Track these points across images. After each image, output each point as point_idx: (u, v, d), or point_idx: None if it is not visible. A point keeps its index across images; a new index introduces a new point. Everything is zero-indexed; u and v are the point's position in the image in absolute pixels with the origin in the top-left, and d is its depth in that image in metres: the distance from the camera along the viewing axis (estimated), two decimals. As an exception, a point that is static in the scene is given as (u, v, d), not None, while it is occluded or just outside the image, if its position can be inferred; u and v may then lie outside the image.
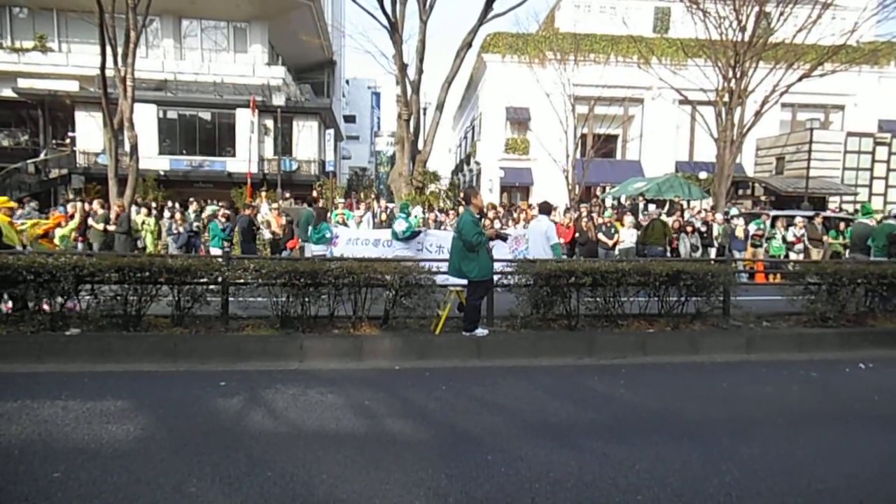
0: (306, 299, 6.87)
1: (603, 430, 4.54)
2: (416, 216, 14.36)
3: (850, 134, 25.64)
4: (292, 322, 6.91)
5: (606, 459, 3.93)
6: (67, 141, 28.12)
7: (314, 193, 23.86)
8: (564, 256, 9.89)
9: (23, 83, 26.93)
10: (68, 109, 27.67)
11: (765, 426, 4.69)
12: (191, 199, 18.71)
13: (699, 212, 16.55)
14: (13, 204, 9.61)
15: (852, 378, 6.31)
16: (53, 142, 28.66)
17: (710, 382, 5.97)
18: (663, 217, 13.61)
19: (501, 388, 5.56)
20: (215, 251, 11.69)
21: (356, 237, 11.51)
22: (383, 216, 15.80)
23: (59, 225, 11.98)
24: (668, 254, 12.83)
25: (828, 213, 17.21)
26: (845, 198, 24.60)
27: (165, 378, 5.72)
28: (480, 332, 6.80)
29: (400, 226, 10.22)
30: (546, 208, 9.24)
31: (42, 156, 27.28)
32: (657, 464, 3.88)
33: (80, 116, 27.24)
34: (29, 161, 26.65)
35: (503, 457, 3.94)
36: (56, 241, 9.43)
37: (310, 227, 11.29)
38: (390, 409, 4.91)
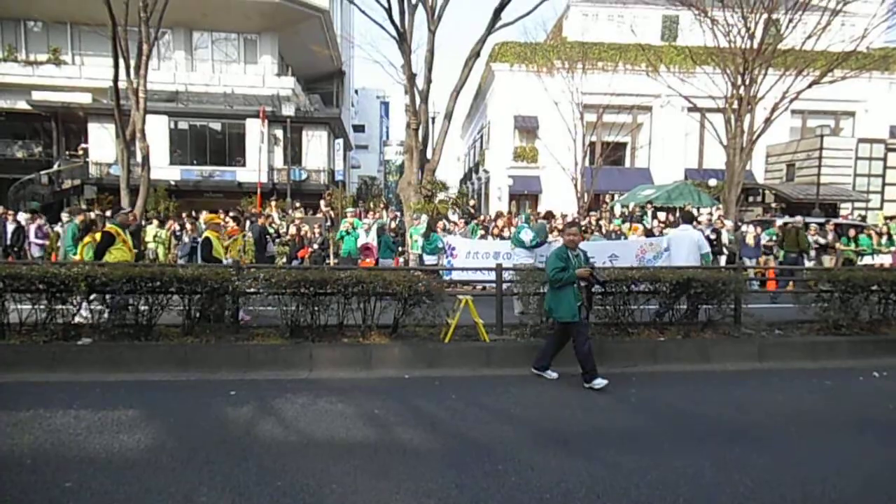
0: (316, 308, 6.89)
1: (614, 439, 4.51)
2: (423, 224, 14.39)
3: (861, 140, 25.46)
4: (302, 331, 6.92)
5: (618, 469, 3.90)
6: (80, 152, 28.45)
7: (256, 208, 22.59)
8: None
9: (37, 96, 27.30)
10: (81, 121, 28.02)
11: (777, 435, 4.64)
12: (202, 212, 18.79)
13: (708, 219, 16.47)
14: (220, 220, 10.03)
15: (866, 386, 6.24)
16: (66, 153, 29.00)
17: (722, 391, 5.92)
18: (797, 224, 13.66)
19: (511, 397, 5.54)
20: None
21: (475, 250, 11.46)
22: (392, 224, 15.84)
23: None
24: (805, 262, 12.91)
25: (839, 220, 17.06)
26: (857, 204, 24.39)
27: (176, 387, 5.75)
28: (599, 381, 5.83)
29: (526, 235, 10.24)
30: (688, 217, 9.27)
31: (55, 167, 27.59)
32: (669, 473, 3.85)
33: (93, 128, 27.56)
34: (42, 172, 26.97)
35: (513, 466, 3.92)
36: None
37: (421, 238, 11.53)
38: (400, 418, 4.90)
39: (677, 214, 18.32)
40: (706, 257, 8.64)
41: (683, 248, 8.78)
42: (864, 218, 19.75)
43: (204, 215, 10.23)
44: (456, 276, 10.78)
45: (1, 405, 5.01)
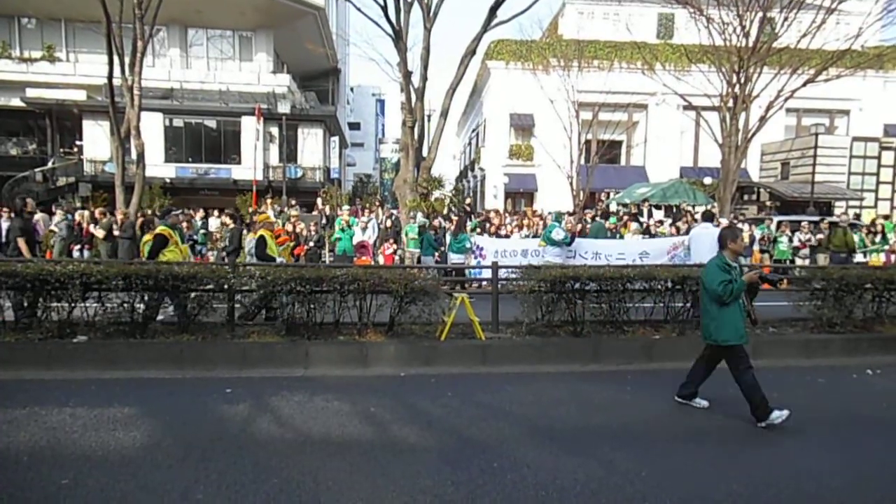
0: (312, 306, 6.89)
1: (609, 436, 4.53)
2: (419, 221, 14.39)
3: (855, 139, 25.57)
4: (298, 329, 6.92)
5: (613, 466, 3.92)
6: (75, 149, 28.34)
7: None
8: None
9: (31, 92, 27.13)
10: (76, 118, 27.88)
11: (772, 432, 4.67)
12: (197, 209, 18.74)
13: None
14: (273, 220, 10.18)
15: (860, 384, 6.28)
16: (61, 150, 28.87)
17: (717, 388, 5.93)
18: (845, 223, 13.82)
19: (507, 395, 5.56)
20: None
21: (503, 249, 11.51)
22: (388, 223, 15.83)
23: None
24: (852, 261, 12.95)
25: (833, 219, 17.14)
26: (851, 202, 24.50)
27: (172, 385, 5.74)
28: (777, 414, 4.78)
29: (558, 234, 10.27)
30: (709, 216, 9.38)
31: (50, 164, 27.46)
32: (663, 470, 3.87)
33: (88, 125, 27.43)
34: (37, 169, 26.80)
35: (509, 463, 3.94)
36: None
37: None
38: (396, 415, 4.92)
39: (674, 212, 18.43)
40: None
41: (705, 245, 8.79)
42: (858, 216, 19.80)
43: (258, 215, 10.41)
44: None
45: (-4, 403, 5.00)
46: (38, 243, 11.80)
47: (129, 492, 3.45)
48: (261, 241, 8.48)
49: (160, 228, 8.27)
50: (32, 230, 9.85)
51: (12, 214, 10.93)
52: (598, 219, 14.27)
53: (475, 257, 11.49)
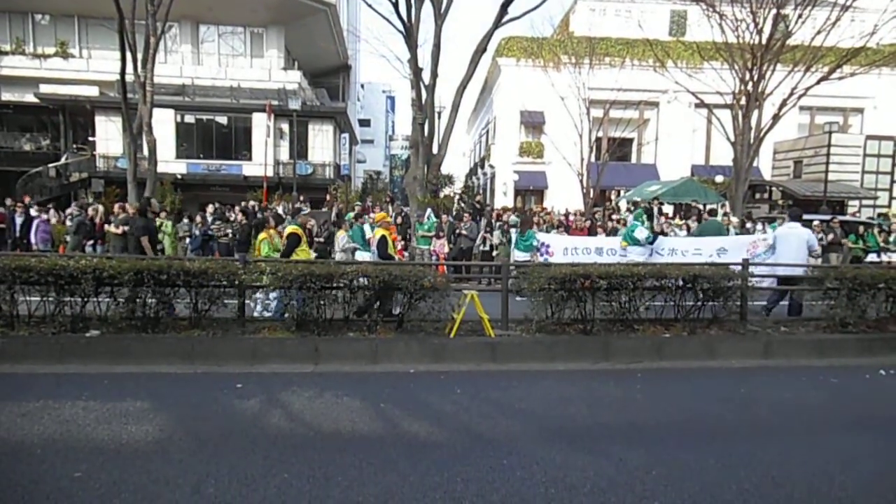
0: (322, 302, 6.91)
1: (619, 434, 4.51)
2: (429, 219, 14.40)
3: (869, 137, 25.30)
4: (308, 325, 6.95)
5: (622, 464, 3.91)
6: (87, 145, 28.54)
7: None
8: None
9: (44, 88, 27.38)
10: (88, 114, 28.11)
11: (783, 432, 4.64)
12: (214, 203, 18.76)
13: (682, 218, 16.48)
14: (390, 218, 10.38)
15: (873, 384, 6.22)
16: (74, 146, 29.12)
17: (727, 387, 5.91)
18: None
19: (516, 392, 5.56)
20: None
21: (573, 246, 11.39)
22: (398, 219, 15.84)
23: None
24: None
25: (846, 217, 16.98)
26: (865, 201, 24.26)
27: (183, 379, 5.79)
28: None
29: (641, 233, 10.29)
30: (797, 215, 9.38)
31: (63, 160, 27.71)
32: (674, 469, 3.85)
33: (100, 121, 27.63)
34: (50, 165, 27.08)
35: (518, 461, 3.93)
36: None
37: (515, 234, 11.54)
38: (405, 412, 4.92)
39: (683, 210, 18.30)
40: (815, 254, 8.69)
41: (792, 245, 8.84)
42: (873, 217, 19.65)
43: (376, 214, 10.53)
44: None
45: (10, 396, 5.05)
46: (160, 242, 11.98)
47: (141, 485, 3.48)
48: (383, 241, 8.70)
49: (292, 228, 8.45)
50: (154, 230, 10.37)
51: (135, 214, 11.17)
52: (708, 217, 14.23)
53: (541, 255, 11.35)
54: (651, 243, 10.25)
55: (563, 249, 11.06)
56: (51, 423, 4.44)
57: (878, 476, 3.88)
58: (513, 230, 12.50)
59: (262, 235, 8.98)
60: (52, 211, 16.90)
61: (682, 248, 10.81)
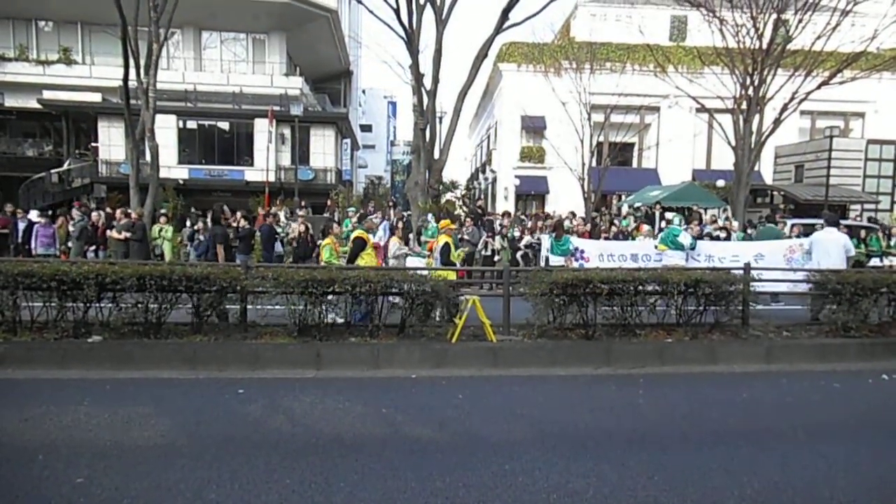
0: (323, 308, 6.92)
1: (621, 439, 4.51)
2: (431, 224, 14.41)
3: (870, 141, 25.28)
4: (309, 330, 6.95)
5: (625, 470, 3.91)
6: (90, 151, 28.61)
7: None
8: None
9: (47, 94, 27.47)
10: (91, 120, 28.18)
11: (786, 437, 4.63)
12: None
13: (714, 220, 16.44)
14: (455, 226, 10.44)
15: (875, 389, 6.21)
16: (77, 152, 29.18)
17: (730, 392, 5.90)
18: None
19: (518, 397, 5.55)
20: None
21: (608, 252, 11.36)
22: (399, 224, 15.85)
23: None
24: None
25: (849, 222, 16.95)
26: (866, 206, 24.22)
27: (185, 385, 5.79)
28: None
29: (685, 238, 10.30)
30: (834, 220, 9.39)
31: (65, 165, 27.75)
32: (676, 475, 3.84)
33: (103, 127, 27.69)
34: (53, 171, 27.09)
35: (520, 466, 3.93)
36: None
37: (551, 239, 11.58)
38: (407, 417, 4.92)
39: (685, 214, 18.29)
40: (852, 259, 8.74)
41: (831, 251, 8.91)
42: (878, 220, 19.60)
43: (441, 222, 10.51)
44: None
45: (13, 401, 5.07)
46: (232, 247, 11.97)
47: (143, 490, 3.48)
48: (446, 248, 8.85)
49: (358, 232, 8.54)
50: (230, 237, 10.55)
51: (210, 222, 11.26)
52: (768, 224, 14.24)
53: (576, 260, 11.26)
54: (693, 249, 10.25)
55: (598, 255, 11.05)
56: (53, 428, 4.44)
57: (881, 481, 3.87)
58: (546, 236, 12.49)
59: (325, 241, 9.03)
60: (59, 219, 16.89)
61: (720, 255, 10.72)
